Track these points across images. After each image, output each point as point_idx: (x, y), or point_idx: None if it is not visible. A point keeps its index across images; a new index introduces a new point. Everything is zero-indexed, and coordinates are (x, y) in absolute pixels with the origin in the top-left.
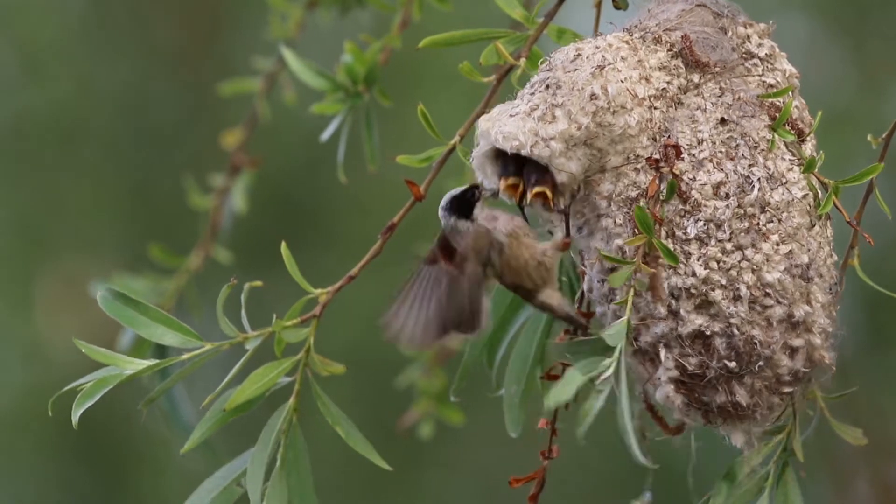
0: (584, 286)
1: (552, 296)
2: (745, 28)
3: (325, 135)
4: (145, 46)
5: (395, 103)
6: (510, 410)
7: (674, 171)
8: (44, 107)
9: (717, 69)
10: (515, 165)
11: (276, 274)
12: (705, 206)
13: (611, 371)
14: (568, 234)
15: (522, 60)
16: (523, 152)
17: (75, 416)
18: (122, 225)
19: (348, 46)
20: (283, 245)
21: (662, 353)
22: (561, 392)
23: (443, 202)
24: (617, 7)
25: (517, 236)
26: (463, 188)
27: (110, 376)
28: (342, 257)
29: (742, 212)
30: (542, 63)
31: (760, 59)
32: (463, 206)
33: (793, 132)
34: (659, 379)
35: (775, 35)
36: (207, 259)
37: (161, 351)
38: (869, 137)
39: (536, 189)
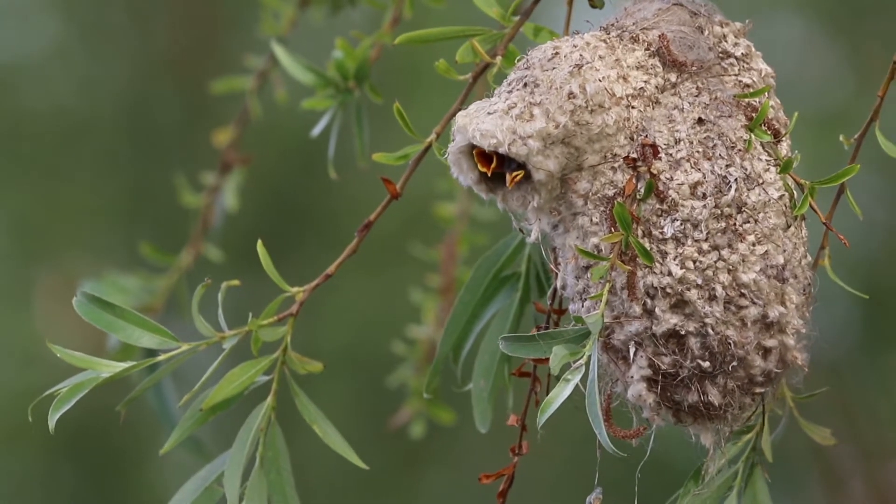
0: (558, 283)
1: None
2: (722, 27)
3: (316, 130)
4: (143, 47)
5: (393, 102)
6: (479, 406)
7: (651, 170)
8: (43, 107)
9: (694, 68)
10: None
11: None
12: (682, 205)
13: (583, 360)
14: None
15: (498, 58)
16: (501, 150)
17: (52, 421)
18: (121, 225)
19: (339, 43)
20: (259, 243)
21: (635, 351)
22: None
23: None
24: (593, 5)
25: None
26: None
27: (86, 380)
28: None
29: (719, 212)
30: (519, 61)
31: (737, 58)
32: None
33: (769, 132)
34: (631, 377)
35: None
36: (199, 257)
37: (150, 351)
38: (841, 138)
39: (516, 173)
